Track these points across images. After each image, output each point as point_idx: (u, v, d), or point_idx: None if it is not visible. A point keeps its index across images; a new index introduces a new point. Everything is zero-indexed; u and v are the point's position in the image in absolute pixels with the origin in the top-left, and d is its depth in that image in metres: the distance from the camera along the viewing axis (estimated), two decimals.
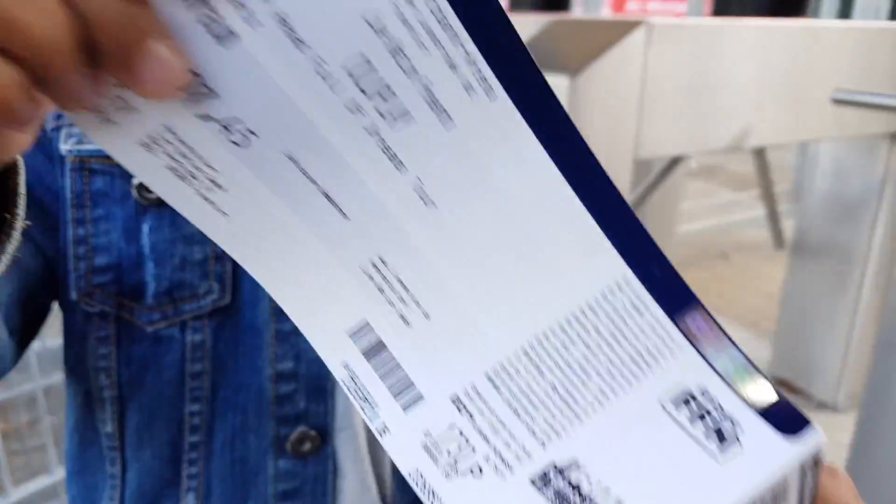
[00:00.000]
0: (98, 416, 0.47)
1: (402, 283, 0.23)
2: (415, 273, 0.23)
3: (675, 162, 1.61)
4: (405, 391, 0.23)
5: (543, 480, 0.22)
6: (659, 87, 1.25)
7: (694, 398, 0.22)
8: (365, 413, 0.23)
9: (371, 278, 0.23)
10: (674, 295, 0.22)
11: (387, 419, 0.23)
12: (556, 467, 0.22)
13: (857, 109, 1.74)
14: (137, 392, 0.43)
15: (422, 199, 0.22)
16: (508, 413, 0.22)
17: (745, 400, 0.22)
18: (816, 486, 0.22)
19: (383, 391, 0.23)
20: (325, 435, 0.45)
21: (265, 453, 0.45)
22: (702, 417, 0.22)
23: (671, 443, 0.21)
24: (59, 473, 1.30)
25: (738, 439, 0.21)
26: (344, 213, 0.23)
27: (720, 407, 0.22)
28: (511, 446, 0.22)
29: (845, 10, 2.94)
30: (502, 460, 0.22)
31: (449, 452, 0.23)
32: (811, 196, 2.16)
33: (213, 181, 0.22)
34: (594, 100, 1.14)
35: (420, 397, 0.23)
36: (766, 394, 0.22)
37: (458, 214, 0.22)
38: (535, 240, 0.23)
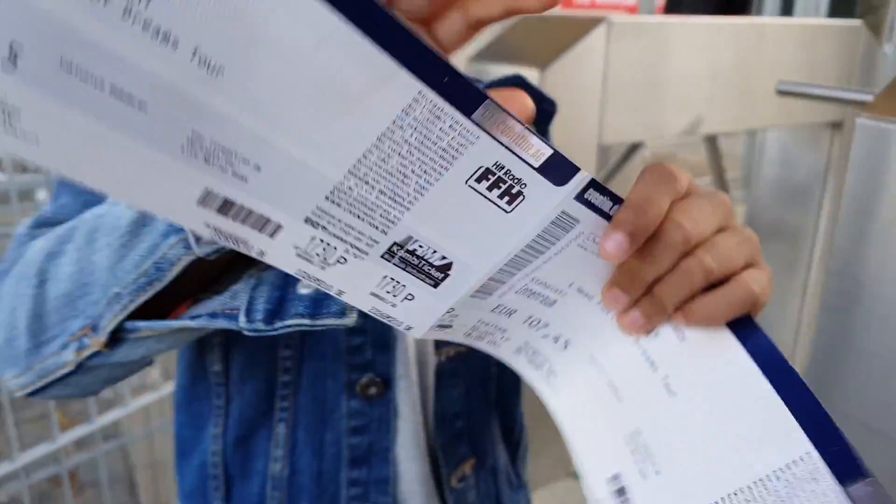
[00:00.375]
0: (207, 358, 0.54)
1: (223, 148, 0.25)
2: (230, 136, 0.25)
3: (633, 148, 1.71)
4: (265, 225, 0.28)
5: (390, 254, 0.30)
6: (619, 79, 1.34)
7: (490, 171, 0.28)
8: (239, 246, 0.29)
9: (194, 155, 0.25)
10: (467, 98, 0.25)
11: (261, 246, 0.29)
12: (396, 243, 0.30)
13: (801, 100, 1.86)
14: (241, 339, 0.48)
15: (205, 66, 0.23)
16: (352, 218, 0.28)
17: (528, 163, 0.28)
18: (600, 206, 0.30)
19: (247, 230, 0.28)
20: (387, 381, 0.52)
21: (340, 394, 0.51)
22: (496, 184, 0.28)
23: (475, 207, 0.28)
24: (61, 440, 1.36)
25: (522, 194, 0.28)
26: (139, 107, 0.23)
27: (510, 173, 0.28)
28: (361, 239, 0.29)
29: (787, 8, 3.10)
30: (358, 249, 0.29)
31: (318, 255, 0.29)
32: (760, 183, 2.28)
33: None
34: (562, 91, 1.23)
35: (279, 226, 0.28)
36: (543, 154, 0.28)
37: (244, 76, 0.23)
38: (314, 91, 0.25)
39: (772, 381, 0.30)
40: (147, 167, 0.24)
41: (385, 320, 0.34)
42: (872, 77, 2.29)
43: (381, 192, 0.27)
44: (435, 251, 0.30)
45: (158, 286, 0.34)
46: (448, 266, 0.31)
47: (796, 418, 0.30)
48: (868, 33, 2.31)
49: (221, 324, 0.34)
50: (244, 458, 0.54)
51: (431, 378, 0.54)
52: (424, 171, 0.27)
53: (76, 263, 0.36)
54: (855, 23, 2.25)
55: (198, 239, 0.33)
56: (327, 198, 0.27)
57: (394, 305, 0.32)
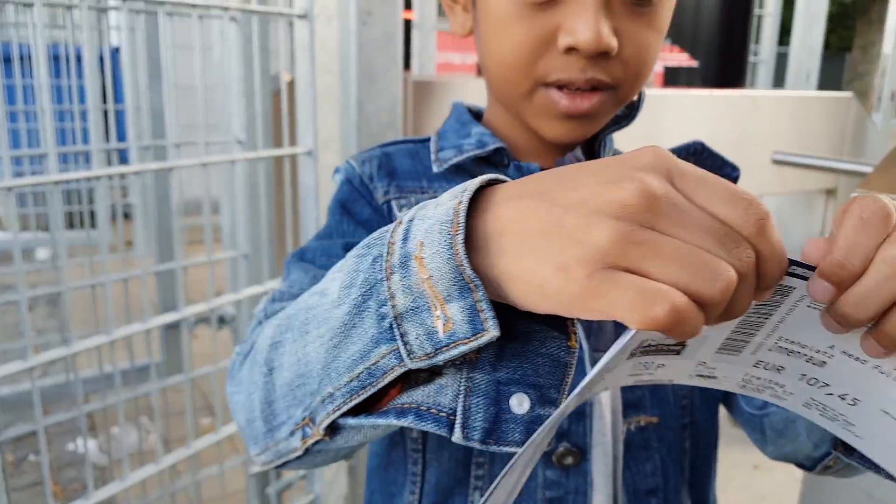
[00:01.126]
0: None
1: None
2: None
3: None
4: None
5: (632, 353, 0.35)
6: (622, 148, 1.40)
7: None
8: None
9: None
10: None
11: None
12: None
13: (795, 168, 1.93)
14: None
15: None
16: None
17: None
18: None
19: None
20: (583, 451, 0.51)
21: (537, 464, 0.50)
22: None
23: None
24: None
25: None
26: None
27: None
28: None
29: (779, 79, 3.22)
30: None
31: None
32: None
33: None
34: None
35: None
36: None
37: None
38: None
39: None
40: None
41: (647, 383, 0.38)
42: (862, 144, 2.37)
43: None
44: (666, 338, 0.33)
45: (371, 391, 0.34)
46: (683, 342, 0.34)
47: None
48: (858, 104, 2.40)
49: (431, 427, 0.33)
50: None
51: (621, 448, 0.52)
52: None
53: (294, 354, 0.37)
54: (845, 94, 2.34)
55: (409, 352, 0.32)
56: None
57: (651, 374, 0.36)
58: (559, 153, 0.55)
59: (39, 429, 0.88)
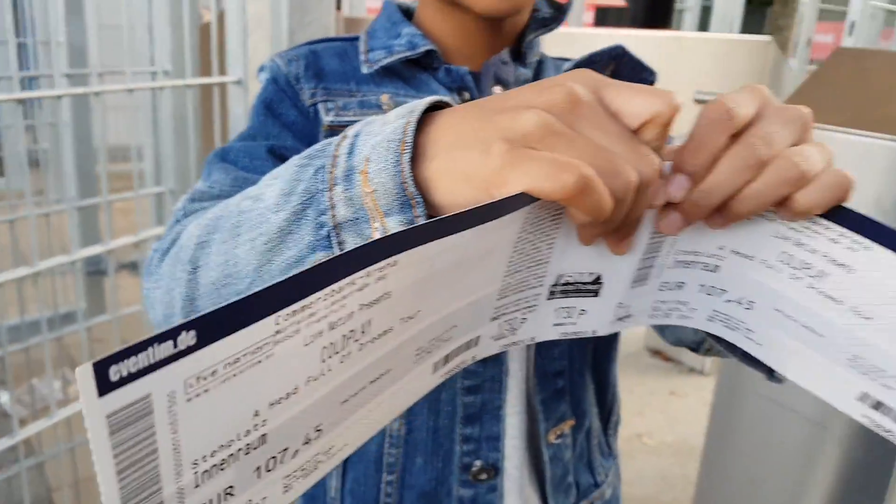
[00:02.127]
0: None
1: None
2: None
3: None
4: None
5: (552, 294, 0.36)
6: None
7: None
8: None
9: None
10: None
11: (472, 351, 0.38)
12: (552, 286, 0.36)
13: None
14: None
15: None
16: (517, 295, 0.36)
17: None
18: None
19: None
20: None
21: None
22: None
23: None
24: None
25: None
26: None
27: None
28: (529, 300, 0.36)
29: (703, 24, 3.30)
30: (529, 307, 0.36)
31: (507, 330, 0.38)
32: None
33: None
34: None
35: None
36: None
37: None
38: None
39: None
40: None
41: (573, 336, 0.39)
42: (779, 87, 2.48)
43: (528, 266, 0.34)
44: (582, 273, 0.35)
45: None
46: (598, 278, 0.36)
47: None
48: (776, 48, 2.50)
49: None
50: None
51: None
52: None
53: (223, 255, 0.38)
54: (765, 39, 2.43)
55: None
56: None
57: (574, 323, 0.38)
58: (487, 55, 0.56)
59: None
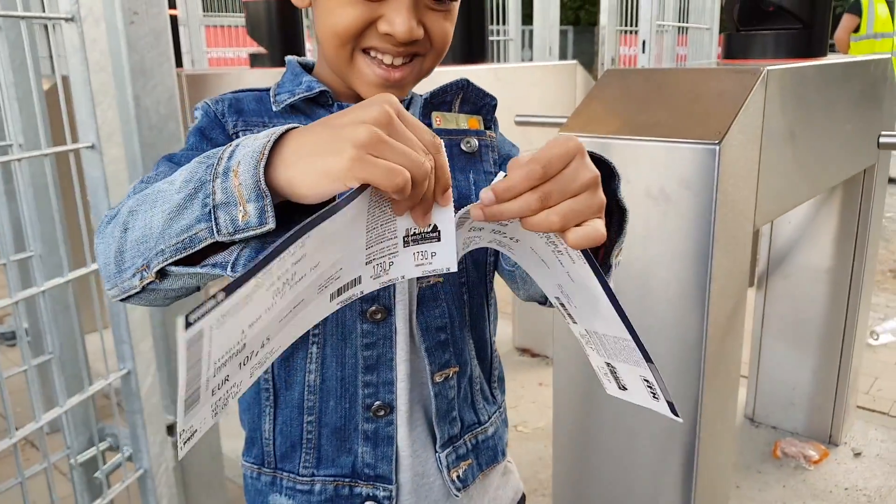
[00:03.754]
0: None
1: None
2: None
3: None
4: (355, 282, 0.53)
5: (406, 242, 0.52)
6: None
7: None
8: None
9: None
10: None
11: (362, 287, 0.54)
12: (405, 236, 0.52)
13: (538, 128, 2.28)
14: None
15: None
16: (383, 245, 0.52)
17: None
18: None
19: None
20: (389, 309, 0.69)
21: (356, 320, 0.69)
22: None
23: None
24: None
25: None
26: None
27: None
28: (392, 249, 0.52)
29: (531, 53, 3.65)
30: (393, 254, 0.52)
31: (380, 273, 0.53)
32: None
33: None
34: None
35: (360, 277, 0.53)
36: None
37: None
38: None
39: (609, 299, 0.53)
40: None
41: (432, 273, 0.54)
42: None
43: (381, 224, 0.50)
44: (427, 226, 0.51)
45: (190, 251, 0.50)
46: (436, 227, 0.52)
47: (622, 322, 0.53)
48: (584, 71, 2.85)
49: (218, 271, 0.51)
50: (287, 372, 0.71)
51: (415, 302, 0.70)
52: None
53: (143, 220, 0.53)
54: (571, 62, 2.77)
55: (218, 230, 0.49)
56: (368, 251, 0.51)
57: (431, 263, 0.53)
58: None
59: None
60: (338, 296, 0.53)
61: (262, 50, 2.75)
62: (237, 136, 0.70)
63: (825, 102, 1.59)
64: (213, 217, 0.50)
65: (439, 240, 0.52)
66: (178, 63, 2.56)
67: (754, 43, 1.68)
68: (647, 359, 0.55)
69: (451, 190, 0.51)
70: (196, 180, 0.51)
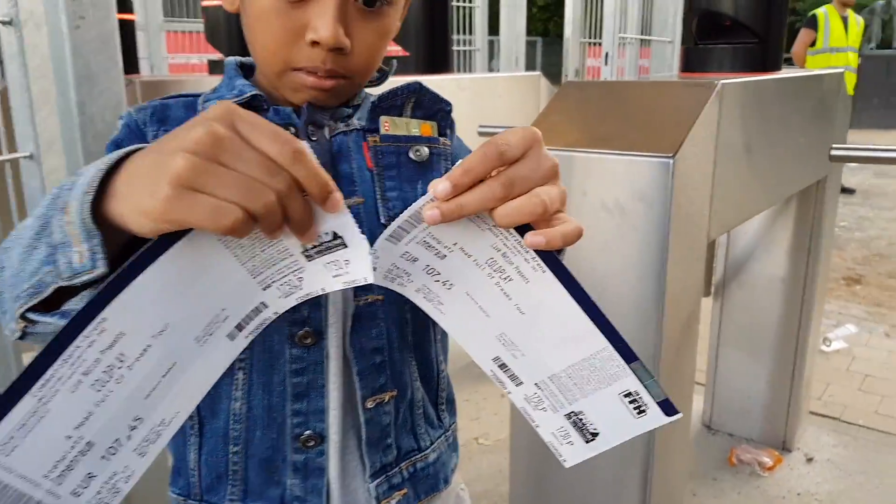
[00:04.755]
0: None
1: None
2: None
3: None
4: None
5: (308, 256, 0.47)
6: None
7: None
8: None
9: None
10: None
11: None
12: (305, 249, 0.46)
13: None
14: None
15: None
16: (280, 265, 0.48)
17: None
18: None
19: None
20: (320, 332, 0.64)
21: (284, 344, 0.63)
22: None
23: None
24: None
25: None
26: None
27: None
28: (294, 266, 0.48)
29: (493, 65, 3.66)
30: (299, 269, 0.48)
31: (287, 288, 0.49)
32: None
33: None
34: None
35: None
36: None
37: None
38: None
39: (579, 304, 0.48)
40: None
41: (352, 285, 0.49)
42: None
43: (264, 249, 0.45)
44: (321, 235, 0.45)
45: (41, 297, 0.45)
46: (335, 234, 0.45)
47: (595, 326, 0.49)
48: (548, 82, 2.86)
49: (65, 321, 0.45)
50: (212, 400, 0.65)
51: (350, 322, 0.65)
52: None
53: (10, 259, 0.49)
54: (534, 74, 2.78)
55: (59, 274, 0.43)
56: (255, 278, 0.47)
57: (348, 272, 0.48)
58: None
59: None
60: (240, 330, 0.48)
61: (221, 56, 2.71)
62: None
63: (779, 115, 1.62)
64: (53, 259, 0.44)
65: (346, 246, 0.47)
66: (135, 69, 2.50)
67: (712, 56, 1.70)
68: (632, 358, 0.50)
69: (335, 195, 0.44)
70: (43, 216, 0.46)
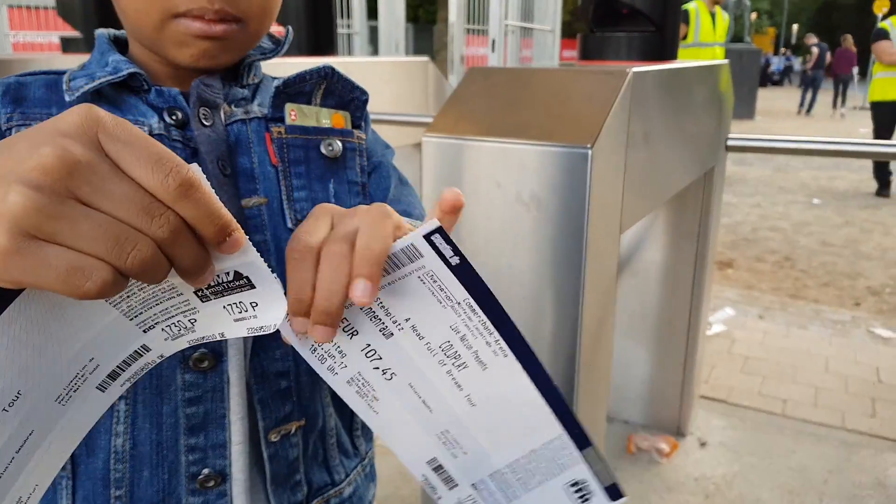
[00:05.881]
0: None
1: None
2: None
3: None
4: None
5: (204, 297, 0.38)
6: None
7: None
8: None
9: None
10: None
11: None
12: (199, 290, 0.38)
13: (390, 126, 2.17)
14: None
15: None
16: (164, 304, 0.38)
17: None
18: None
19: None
20: (218, 355, 0.54)
21: (175, 369, 0.53)
22: None
23: None
24: None
25: None
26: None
27: None
28: (186, 309, 0.39)
29: (374, 49, 3.54)
30: (190, 320, 0.39)
31: (178, 332, 0.41)
32: None
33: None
34: None
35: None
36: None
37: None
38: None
39: (539, 389, 0.43)
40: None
41: (260, 332, 0.40)
42: (442, 104, 2.76)
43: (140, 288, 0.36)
44: (219, 274, 0.36)
45: None
46: (239, 274, 0.37)
47: (554, 413, 0.44)
48: (435, 68, 2.78)
49: None
50: (88, 436, 0.50)
51: (251, 343, 0.56)
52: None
53: None
54: (423, 59, 2.69)
55: None
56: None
57: (255, 316, 0.39)
58: (196, 76, 0.56)
59: None
60: (114, 379, 0.39)
61: (76, 33, 2.41)
62: (11, 133, 0.52)
63: (678, 105, 1.62)
64: None
65: (253, 287, 0.38)
66: None
67: (610, 44, 1.67)
68: (585, 444, 0.46)
69: (236, 235, 0.34)
70: None
